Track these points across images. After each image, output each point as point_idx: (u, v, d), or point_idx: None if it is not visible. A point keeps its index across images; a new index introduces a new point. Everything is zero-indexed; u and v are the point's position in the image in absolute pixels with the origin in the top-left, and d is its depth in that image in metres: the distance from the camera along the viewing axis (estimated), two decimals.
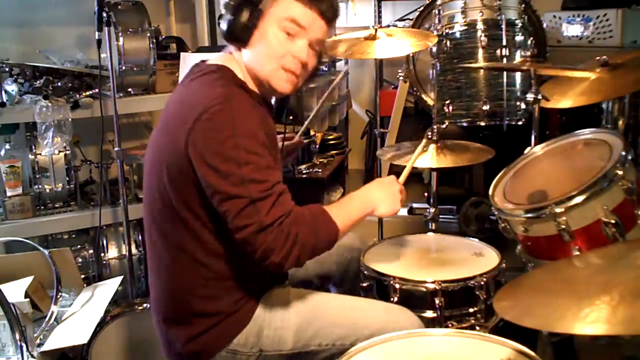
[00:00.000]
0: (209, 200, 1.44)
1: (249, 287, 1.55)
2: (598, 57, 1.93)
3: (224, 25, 1.54)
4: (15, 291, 1.79)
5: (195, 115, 1.41)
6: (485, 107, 2.41)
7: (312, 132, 3.25)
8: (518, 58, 2.46)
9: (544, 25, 3.13)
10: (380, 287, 1.84)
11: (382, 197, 1.63)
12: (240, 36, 1.53)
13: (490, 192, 1.87)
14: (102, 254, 2.62)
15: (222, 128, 1.39)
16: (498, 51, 2.39)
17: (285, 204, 1.42)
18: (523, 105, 2.44)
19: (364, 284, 1.88)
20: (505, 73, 2.43)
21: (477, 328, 1.77)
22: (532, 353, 1.27)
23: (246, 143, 1.39)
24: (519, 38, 2.43)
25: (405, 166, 1.88)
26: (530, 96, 2.02)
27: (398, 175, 1.79)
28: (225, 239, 1.49)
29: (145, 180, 1.61)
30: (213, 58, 1.63)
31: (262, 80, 1.56)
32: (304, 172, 3.11)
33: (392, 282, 1.79)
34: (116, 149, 2.42)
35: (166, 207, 1.51)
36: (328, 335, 1.55)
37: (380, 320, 1.56)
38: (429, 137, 2.18)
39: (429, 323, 1.74)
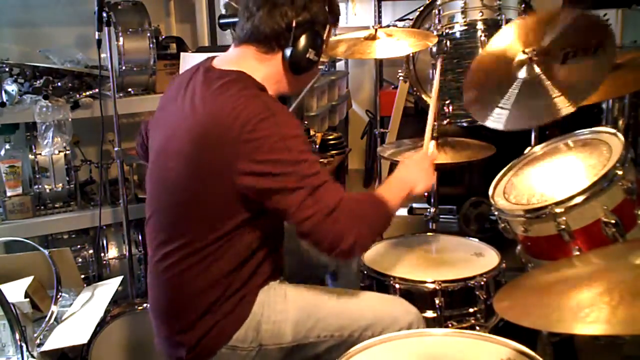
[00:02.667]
0: (244, 211, 1.46)
1: (247, 284, 1.55)
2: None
3: (289, 55, 1.51)
4: (15, 291, 1.79)
5: (236, 130, 1.39)
6: None
7: (312, 132, 3.25)
8: None
9: None
10: (380, 287, 1.84)
11: (418, 176, 1.70)
12: (303, 69, 1.55)
13: (490, 192, 1.87)
14: (102, 254, 2.62)
15: (270, 135, 1.40)
16: None
17: (339, 188, 1.47)
18: None
19: (364, 284, 1.89)
20: None
21: (477, 328, 1.77)
22: (532, 353, 1.27)
23: (295, 143, 1.42)
24: None
25: None
26: None
27: None
28: (236, 243, 1.50)
29: (160, 192, 1.58)
30: (224, 57, 1.60)
31: (282, 93, 1.61)
32: None
33: (392, 282, 1.80)
34: (116, 149, 2.42)
35: (192, 222, 1.51)
36: (327, 327, 1.55)
37: (377, 310, 1.57)
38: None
39: (429, 323, 1.74)
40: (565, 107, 1.75)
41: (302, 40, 1.50)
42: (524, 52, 1.83)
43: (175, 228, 1.55)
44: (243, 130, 1.39)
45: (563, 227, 1.59)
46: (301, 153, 1.42)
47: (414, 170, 1.71)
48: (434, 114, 1.96)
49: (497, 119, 1.87)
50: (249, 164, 1.40)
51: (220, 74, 1.52)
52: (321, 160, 3.28)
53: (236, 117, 1.40)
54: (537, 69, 1.80)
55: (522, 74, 1.83)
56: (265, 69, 1.55)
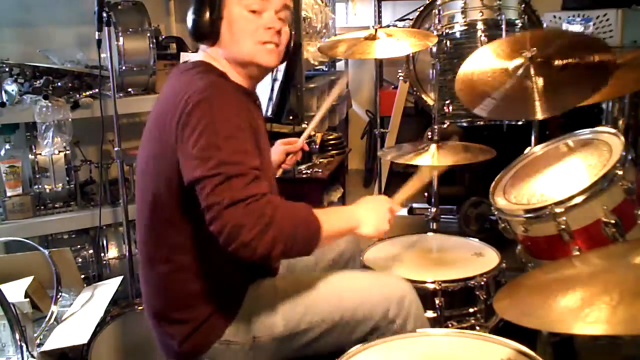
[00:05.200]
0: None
1: (237, 277, 1.56)
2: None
3: (191, 28, 1.56)
4: (15, 291, 1.79)
5: (179, 110, 1.42)
6: None
7: (312, 132, 3.25)
8: None
9: (544, 25, 3.13)
10: None
11: (369, 216, 1.56)
12: (209, 33, 1.56)
13: (490, 192, 1.87)
14: (102, 254, 2.62)
15: (202, 117, 1.40)
16: None
17: (261, 187, 1.37)
18: None
19: None
20: None
21: (477, 328, 1.77)
22: (532, 353, 1.27)
23: (224, 128, 1.39)
24: None
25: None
26: None
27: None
28: (205, 238, 1.47)
29: (138, 183, 1.62)
30: (192, 58, 1.65)
31: (247, 62, 1.57)
32: (304, 172, 3.10)
33: None
34: (116, 149, 2.42)
35: (159, 209, 1.53)
36: (316, 312, 1.54)
37: (367, 289, 1.56)
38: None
39: (429, 323, 1.74)
40: (543, 112, 1.80)
41: (194, 10, 1.53)
42: (524, 52, 1.83)
43: (148, 229, 1.57)
44: (184, 112, 1.41)
45: (563, 227, 1.59)
46: (227, 139, 1.37)
47: (367, 210, 1.58)
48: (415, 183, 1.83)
49: (484, 108, 1.90)
50: (183, 146, 1.40)
51: (186, 66, 1.59)
52: (321, 160, 3.28)
53: (180, 98, 1.43)
54: (532, 70, 1.81)
55: (519, 72, 1.85)
56: (219, 59, 1.58)
